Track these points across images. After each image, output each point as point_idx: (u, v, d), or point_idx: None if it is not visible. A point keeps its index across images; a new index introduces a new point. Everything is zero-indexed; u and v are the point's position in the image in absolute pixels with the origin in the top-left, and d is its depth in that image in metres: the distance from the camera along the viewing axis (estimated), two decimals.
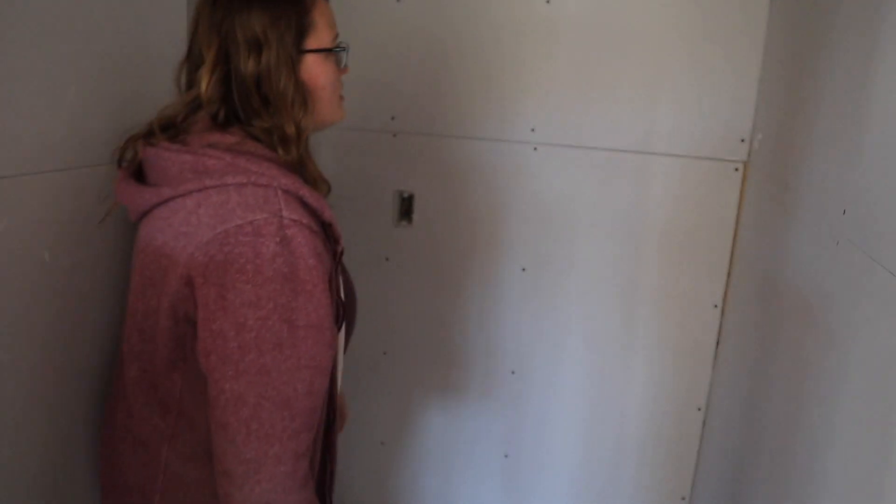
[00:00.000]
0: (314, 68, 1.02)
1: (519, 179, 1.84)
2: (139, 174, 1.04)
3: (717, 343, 1.79)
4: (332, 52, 1.05)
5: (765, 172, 1.47)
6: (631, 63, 1.72)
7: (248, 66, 0.96)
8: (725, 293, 1.77)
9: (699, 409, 1.85)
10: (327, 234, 0.98)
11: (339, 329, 1.05)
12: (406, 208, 1.94)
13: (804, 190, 1.15)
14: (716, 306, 1.78)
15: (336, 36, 1.06)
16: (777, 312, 1.27)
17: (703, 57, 1.67)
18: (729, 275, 1.75)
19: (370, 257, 1.98)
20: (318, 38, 1.02)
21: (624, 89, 1.73)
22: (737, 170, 1.70)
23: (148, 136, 1.00)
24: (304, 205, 0.95)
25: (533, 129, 1.80)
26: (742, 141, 1.68)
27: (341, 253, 1.02)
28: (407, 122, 1.89)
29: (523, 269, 1.88)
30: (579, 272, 1.85)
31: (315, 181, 1.04)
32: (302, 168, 1.02)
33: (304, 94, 1.00)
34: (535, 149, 1.81)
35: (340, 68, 1.08)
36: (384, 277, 1.99)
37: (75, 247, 1.10)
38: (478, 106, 1.83)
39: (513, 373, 1.96)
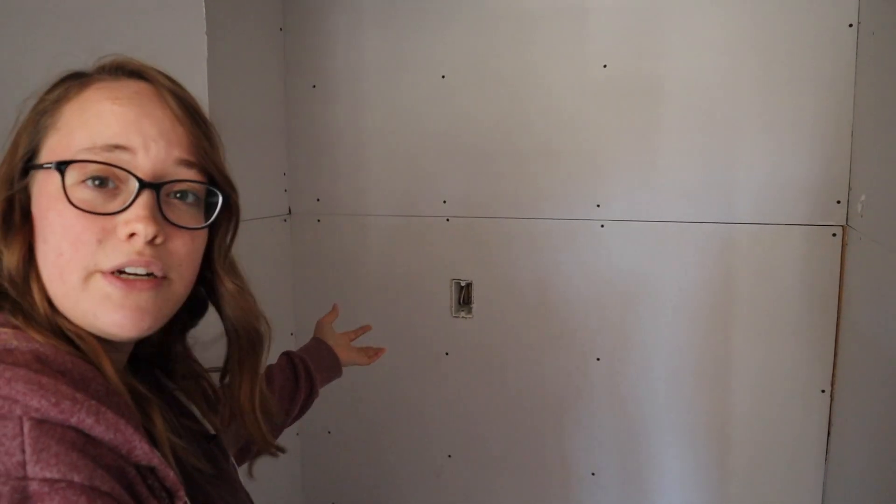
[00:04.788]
0: (39, 199, 0.59)
1: (586, 260, 1.69)
2: None
3: (829, 434, 1.56)
4: (56, 168, 0.57)
5: (880, 238, 1.28)
6: (702, 124, 1.57)
7: None
8: (833, 376, 1.54)
9: None
10: (149, 483, 0.54)
11: None
12: (464, 298, 1.80)
13: None
14: (823, 391, 1.56)
15: (112, 147, 0.58)
16: None
17: (783, 113, 1.52)
18: (836, 354, 1.54)
19: (428, 352, 1.85)
20: (61, 142, 0.59)
21: (697, 154, 1.58)
22: (835, 235, 1.51)
23: None
24: (89, 441, 0.51)
25: (598, 206, 1.66)
26: (838, 203, 1.50)
27: None
28: (460, 205, 1.77)
29: (598, 359, 1.70)
30: (662, 358, 1.66)
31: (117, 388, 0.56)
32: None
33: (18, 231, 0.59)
34: (602, 226, 1.66)
35: (105, 211, 0.57)
36: (445, 373, 1.85)
37: None
38: (536, 183, 1.71)
39: (593, 475, 1.75)
